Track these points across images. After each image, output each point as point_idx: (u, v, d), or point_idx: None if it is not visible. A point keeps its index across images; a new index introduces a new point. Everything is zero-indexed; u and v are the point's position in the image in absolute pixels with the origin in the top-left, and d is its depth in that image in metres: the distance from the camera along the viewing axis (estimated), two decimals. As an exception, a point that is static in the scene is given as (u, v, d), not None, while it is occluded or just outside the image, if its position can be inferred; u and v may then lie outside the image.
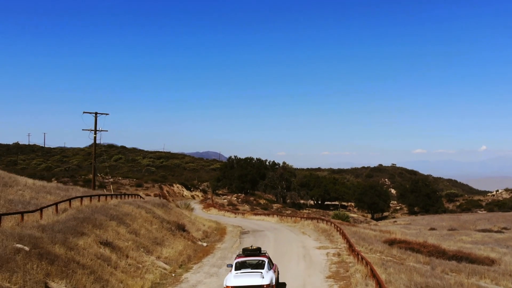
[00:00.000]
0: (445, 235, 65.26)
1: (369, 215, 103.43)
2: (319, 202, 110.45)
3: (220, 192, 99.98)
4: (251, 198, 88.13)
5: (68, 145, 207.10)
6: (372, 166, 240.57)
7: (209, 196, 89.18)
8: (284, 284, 18.04)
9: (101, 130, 44.58)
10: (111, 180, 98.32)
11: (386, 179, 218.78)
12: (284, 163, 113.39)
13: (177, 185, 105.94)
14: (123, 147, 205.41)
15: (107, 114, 45.10)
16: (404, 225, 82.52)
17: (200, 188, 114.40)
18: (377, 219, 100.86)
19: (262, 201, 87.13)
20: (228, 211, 69.40)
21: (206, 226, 36.06)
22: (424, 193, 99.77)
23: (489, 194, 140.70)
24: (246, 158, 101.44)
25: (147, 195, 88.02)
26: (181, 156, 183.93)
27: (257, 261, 16.47)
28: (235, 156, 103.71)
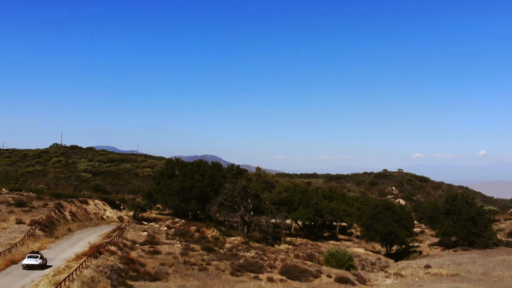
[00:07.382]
0: None
1: (383, 249, 69.03)
2: (311, 223, 76.20)
3: (154, 214, 65.02)
4: (192, 228, 53.66)
5: (24, 147, 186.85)
6: (375, 171, 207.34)
7: (123, 225, 54.56)
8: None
9: None
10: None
11: (393, 188, 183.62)
12: (258, 169, 78.50)
13: (96, 201, 71.35)
14: (89, 148, 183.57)
15: None
16: (448, 279, 48.02)
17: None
18: (396, 256, 66.14)
19: (210, 233, 52.86)
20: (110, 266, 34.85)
21: None
22: (466, 217, 65.30)
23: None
24: (194, 162, 65.72)
25: (19, 222, 53.40)
26: (143, 158, 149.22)
27: (36, 255, 36.52)
28: (177, 158, 68.30)
